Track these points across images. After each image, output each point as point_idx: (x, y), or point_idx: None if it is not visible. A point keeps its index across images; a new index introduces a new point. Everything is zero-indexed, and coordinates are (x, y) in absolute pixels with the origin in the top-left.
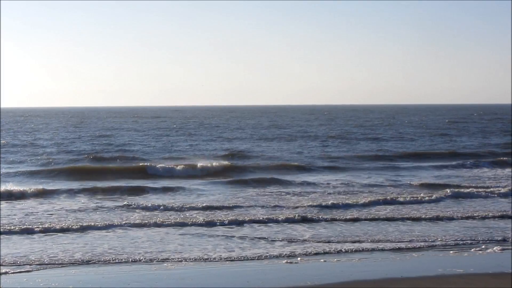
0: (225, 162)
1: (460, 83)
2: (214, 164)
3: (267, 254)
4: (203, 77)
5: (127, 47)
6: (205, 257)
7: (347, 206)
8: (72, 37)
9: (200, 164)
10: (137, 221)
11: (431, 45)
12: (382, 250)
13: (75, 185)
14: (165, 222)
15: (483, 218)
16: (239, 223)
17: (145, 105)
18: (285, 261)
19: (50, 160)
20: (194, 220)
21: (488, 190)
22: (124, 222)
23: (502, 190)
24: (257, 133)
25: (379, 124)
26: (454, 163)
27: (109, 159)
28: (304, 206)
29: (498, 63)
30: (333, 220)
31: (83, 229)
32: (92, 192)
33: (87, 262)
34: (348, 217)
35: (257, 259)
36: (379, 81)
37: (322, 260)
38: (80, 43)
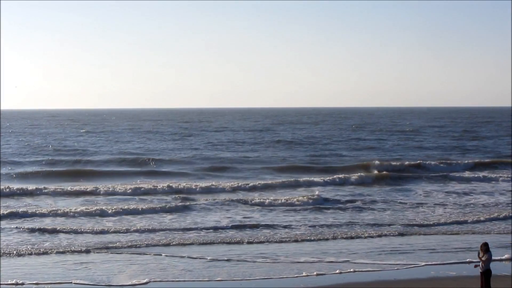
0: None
1: (459, 86)
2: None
3: None
4: (197, 79)
5: (122, 49)
6: None
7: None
8: (66, 38)
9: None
10: None
11: (427, 47)
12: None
13: None
14: None
15: None
16: None
17: (140, 107)
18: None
19: None
20: None
21: None
22: None
23: None
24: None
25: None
26: None
27: None
28: None
29: (499, 65)
30: None
31: None
32: None
33: None
34: None
35: None
36: (375, 84)
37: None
38: (75, 45)
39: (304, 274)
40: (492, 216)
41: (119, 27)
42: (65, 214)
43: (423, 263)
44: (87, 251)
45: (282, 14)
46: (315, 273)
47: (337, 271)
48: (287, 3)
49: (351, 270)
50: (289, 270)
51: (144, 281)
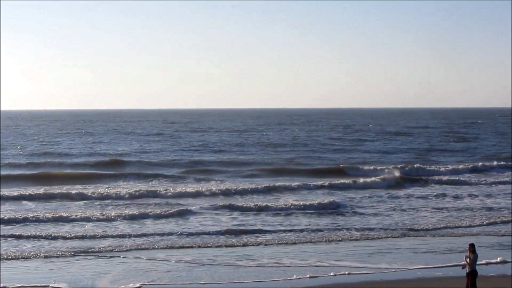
0: None
1: (450, 86)
2: None
3: None
4: (184, 80)
5: (108, 50)
6: None
7: None
8: (51, 40)
9: None
10: None
11: (417, 47)
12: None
13: None
14: None
15: None
16: None
17: (126, 108)
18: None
19: None
20: None
21: None
22: None
23: None
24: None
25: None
26: None
27: None
28: None
29: (492, 65)
30: None
31: None
32: None
33: None
34: None
35: None
36: (364, 85)
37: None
38: (60, 46)
39: (295, 277)
40: (479, 220)
41: (105, 28)
42: (43, 220)
43: (415, 265)
44: (67, 255)
45: (267, 15)
46: (308, 275)
47: (331, 274)
48: (275, 3)
49: (346, 272)
50: (281, 273)
51: (137, 285)
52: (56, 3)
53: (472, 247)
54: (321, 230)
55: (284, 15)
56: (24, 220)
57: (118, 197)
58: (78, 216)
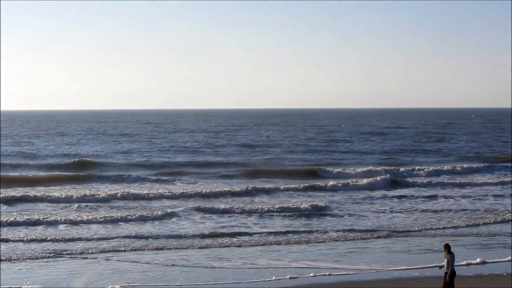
0: None
1: (431, 87)
2: None
3: None
4: (159, 80)
5: (83, 50)
6: None
7: None
8: (27, 41)
9: None
10: None
11: (396, 47)
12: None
13: None
14: None
15: None
16: None
17: (101, 108)
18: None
19: None
20: None
21: None
22: None
23: None
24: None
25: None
26: None
27: None
28: None
29: (498, 67)
30: None
31: None
32: None
33: None
34: None
35: None
36: (340, 85)
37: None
38: (36, 48)
39: (274, 278)
40: (456, 221)
41: (82, 29)
42: (16, 222)
43: (394, 266)
44: (41, 257)
45: (248, 16)
46: (288, 276)
47: (311, 274)
48: (253, 3)
49: (327, 273)
50: (260, 274)
51: (116, 287)
52: (31, 3)
53: (447, 247)
54: (298, 232)
55: (263, 15)
56: None
57: (92, 199)
58: (51, 218)
